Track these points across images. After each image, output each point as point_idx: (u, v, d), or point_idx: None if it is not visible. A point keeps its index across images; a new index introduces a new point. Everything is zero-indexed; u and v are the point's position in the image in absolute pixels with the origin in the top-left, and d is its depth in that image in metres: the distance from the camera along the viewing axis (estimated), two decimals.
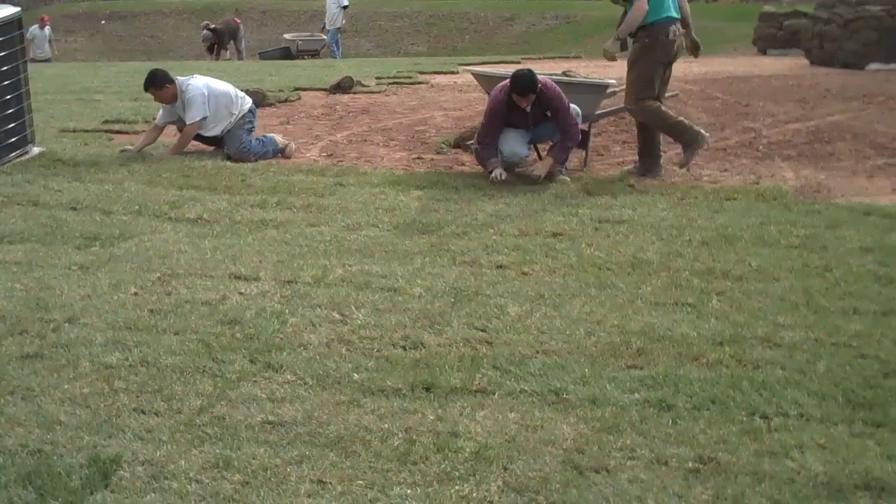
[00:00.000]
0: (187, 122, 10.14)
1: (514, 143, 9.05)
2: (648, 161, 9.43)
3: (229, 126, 10.21)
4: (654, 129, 9.36)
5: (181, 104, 10.19)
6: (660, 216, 7.76)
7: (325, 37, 27.44)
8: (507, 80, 8.86)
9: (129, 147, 10.29)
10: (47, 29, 29.65)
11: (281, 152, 10.31)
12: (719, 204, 8.19)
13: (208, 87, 10.20)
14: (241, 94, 10.54)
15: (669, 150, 9.87)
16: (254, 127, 10.42)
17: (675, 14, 9.07)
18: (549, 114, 8.94)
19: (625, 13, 9.09)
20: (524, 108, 8.83)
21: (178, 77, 10.26)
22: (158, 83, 10.15)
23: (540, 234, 7.24)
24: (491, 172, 8.85)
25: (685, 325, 5.42)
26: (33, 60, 28.55)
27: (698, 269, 6.42)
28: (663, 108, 9.23)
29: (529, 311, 5.62)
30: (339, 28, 27.03)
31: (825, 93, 14.39)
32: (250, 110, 10.38)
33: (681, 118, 9.32)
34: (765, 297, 5.90)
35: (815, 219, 7.72)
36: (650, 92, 9.11)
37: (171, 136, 10.54)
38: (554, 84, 8.92)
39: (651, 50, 9.04)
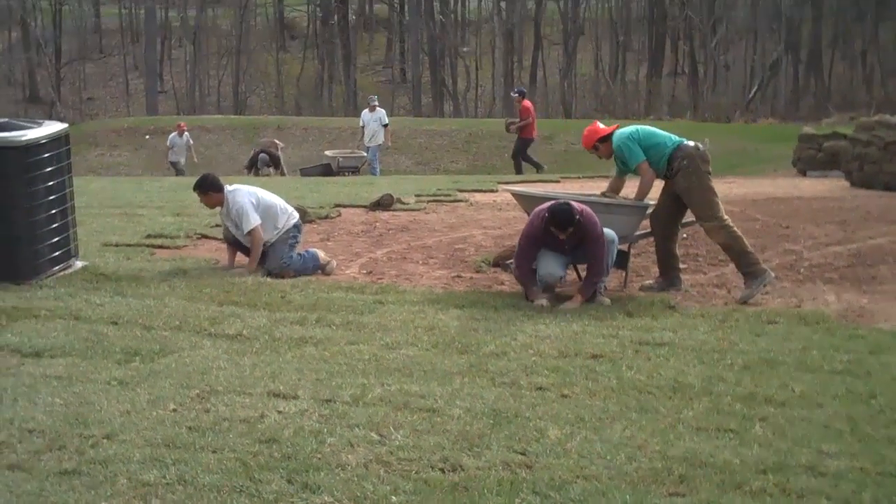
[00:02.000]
0: (245, 232, 10.24)
1: (550, 265, 9.04)
2: (671, 276, 9.79)
3: (273, 238, 10.29)
4: (673, 242, 9.79)
5: (226, 211, 10.34)
6: (701, 339, 7.71)
7: (365, 154, 27.76)
8: (546, 206, 8.89)
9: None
10: (186, 135, 29.99)
11: (321, 269, 10.36)
12: (761, 327, 8.13)
13: (256, 197, 10.32)
14: (289, 208, 10.64)
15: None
16: (297, 242, 10.50)
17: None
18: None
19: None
20: (568, 237, 8.87)
21: (227, 186, 10.41)
22: (204, 188, 10.41)
23: (580, 356, 7.20)
24: (533, 301, 8.84)
25: (728, 451, 5.34)
26: (174, 167, 29.01)
27: (740, 393, 6.35)
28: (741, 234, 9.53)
29: (570, 435, 5.57)
30: (379, 145, 27.37)
31: (867, 215, 14.33)
32: (295, 225, 10.47)
33: (753, 250, 9.54)
34: (808, 424, 5.81)
35: (859, 344, 7.64)
36: (720, 206, 9.48)
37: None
38: (591, 213, 8.93)
39: (693, 167, 9.40)
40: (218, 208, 10.53)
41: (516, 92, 27.12)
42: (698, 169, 9.41)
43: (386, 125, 27.37)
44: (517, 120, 25.32)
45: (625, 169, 9.79)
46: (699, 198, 9.43)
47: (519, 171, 25.25)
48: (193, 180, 10.81)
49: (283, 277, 9.96)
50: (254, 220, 10.18)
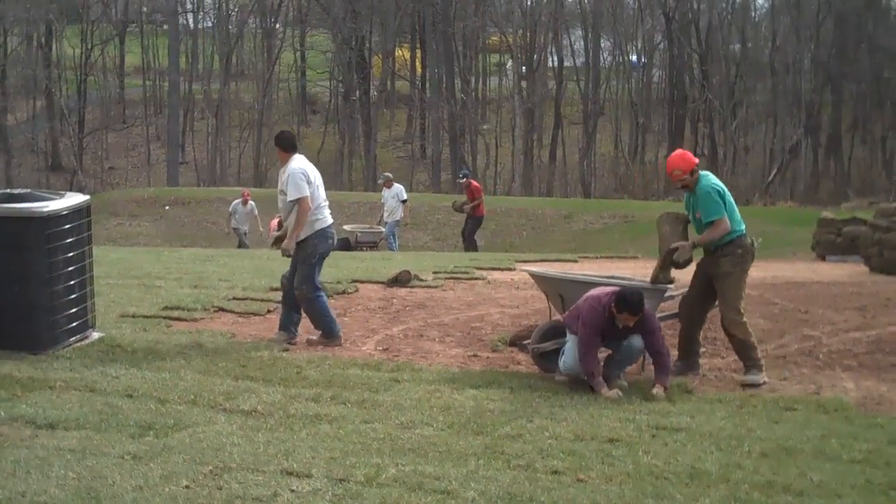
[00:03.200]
0: (289, 199, 10.38)
1: (576, 360, 8.93)
2: (690, 360, 9.84)
3: (311, 229, 10.44)
4: (698, 328, 9.97)
5: (282, 172, 10.60)
6: (718, 425, 7.65)
7: (383, 229, 27.80)
8: (605, 294, 8.84)
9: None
10: (251, 204, 29.53)
11: (326, 338, 10.53)
12: (779, 414, 8.07)
13: (307, 175, 10.45)
14: (327, 210, 10.73)
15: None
16: (322, 258, 10.62)
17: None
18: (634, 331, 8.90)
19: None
20: (624, 325, 8.77)
21: (295, 154, 10.62)
22: (281, 143, 10.76)
23: (596, 440, 7.15)
24: (602, 392, 8.58)
25: None
26: (236, 233, 29.09)
27: (758, 482, 6.30)
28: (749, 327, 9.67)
29: None
30: (397, 221, 27.40)
31: (886, 302, 14.22)
32: (329, 228, 10.62)
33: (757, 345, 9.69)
34: None
35: (878, 433, 7.58)
36: (742, 300, 9.65)
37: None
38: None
39: (743, 259, 9.60)
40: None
41: (462, 176, 28.31)
42: (744, 263, 9.60)
43: (404, 201, 27.39)
44: (466, 200, 26.26)
45: (688, 213, 9.75)
46: (735, 286, 9.58)
47: (472, 248, 26.36)
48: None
49: (301, 302, 10.45)
50: (301, 192, 10.32)
